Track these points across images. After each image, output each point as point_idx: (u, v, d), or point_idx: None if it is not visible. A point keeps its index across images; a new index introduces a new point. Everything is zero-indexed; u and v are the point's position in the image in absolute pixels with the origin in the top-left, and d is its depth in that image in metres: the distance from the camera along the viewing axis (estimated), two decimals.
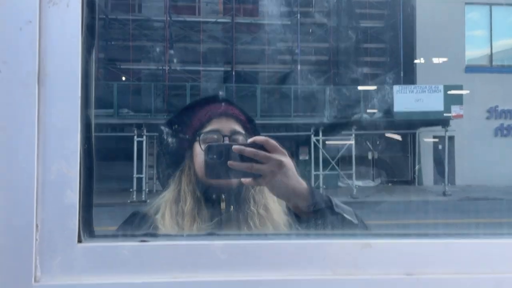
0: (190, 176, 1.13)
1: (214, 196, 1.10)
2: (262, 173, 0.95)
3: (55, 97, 0.67)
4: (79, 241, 0.66)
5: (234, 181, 1.07)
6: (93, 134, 0.72)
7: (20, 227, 0.65)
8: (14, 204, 0.65)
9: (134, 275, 0.67)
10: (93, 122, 0.72)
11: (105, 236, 0.71)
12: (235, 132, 1.15)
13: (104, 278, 0.66)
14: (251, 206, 1.10)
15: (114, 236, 0.75)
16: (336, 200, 1.05)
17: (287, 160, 0.97)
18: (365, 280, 0.69)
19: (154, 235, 0.69)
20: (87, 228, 0.68)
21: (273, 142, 0.96)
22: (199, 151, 1.12)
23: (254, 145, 0.95)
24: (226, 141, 1.12)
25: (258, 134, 1.13)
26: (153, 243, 0.68)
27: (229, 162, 0.94)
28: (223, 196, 1.10)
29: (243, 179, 0.99)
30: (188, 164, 1.15)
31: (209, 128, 1.15)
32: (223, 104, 1.23)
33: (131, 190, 13.12)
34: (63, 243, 0.66)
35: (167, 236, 0.72)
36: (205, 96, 1.25)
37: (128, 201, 12.20)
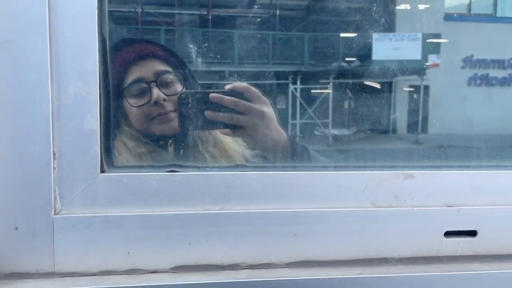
0: (131, 138, 1.01)
1: (161, 143, 1.01)
2: (242, 124, 0.87)
3: (68, 8, 0.58)
4: (102, 170, 0.60)
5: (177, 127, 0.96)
6: (108, 53, 0.64)
7: (35, 154, 0.58)
8: (27, 130, 0.58)
9: (163, 207, 0.62)
10: (107, 38, 0.63)
11: (128, 167, 0.65)
12: (161, 73, 1.01)
13: (131, 210, 0.61)
14: (200, 148, 1.02)
15: (138, 166, 0.69)
16: (313, 152, 1.00)
17: (269, 111, 0.89)
18: (405, 212, 0.66)
19: (182, 166, 0.64)
20: (109, 157, 0.62)
21: (254, 90, 0.87)
22: (129, 108, 1.00)
23: (233, 93, 0.86)
24: (155, 87, 1.00)
25: (187, 69, 1.04)
26: (184, 173, 0.62)
27: (206, 112, 0.85)
28: (170, 141, 1.01)
29: (220, 131, 0.91)
30: (126, 128, 1.02)
31: (129, 79, 1.00)
32: (134, 45, 1.06)
33: None
34: (84, 172, 0.60)
35: (197, 167, 0.66)
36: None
37: None
